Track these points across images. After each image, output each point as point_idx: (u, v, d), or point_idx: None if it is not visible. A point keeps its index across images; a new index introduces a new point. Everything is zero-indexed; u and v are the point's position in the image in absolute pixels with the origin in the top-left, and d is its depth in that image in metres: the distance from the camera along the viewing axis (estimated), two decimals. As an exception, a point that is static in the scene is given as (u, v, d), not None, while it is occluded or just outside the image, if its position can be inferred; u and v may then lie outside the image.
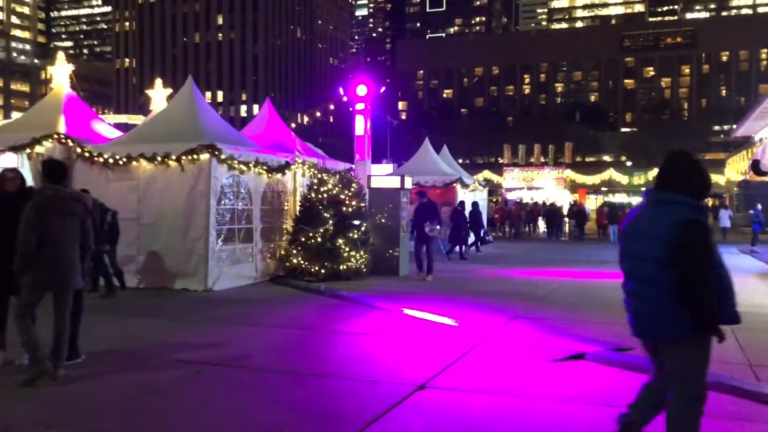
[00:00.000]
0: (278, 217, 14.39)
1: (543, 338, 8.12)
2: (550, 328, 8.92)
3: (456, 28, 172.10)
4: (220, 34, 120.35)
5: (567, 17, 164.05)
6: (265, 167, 13.51)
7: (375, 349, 7.73)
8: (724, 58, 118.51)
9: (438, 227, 14.31)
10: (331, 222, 13.53)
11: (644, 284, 3.73)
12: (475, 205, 22.32)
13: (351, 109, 16.66)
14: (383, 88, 19.16)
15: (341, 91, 16.64)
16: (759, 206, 25.70)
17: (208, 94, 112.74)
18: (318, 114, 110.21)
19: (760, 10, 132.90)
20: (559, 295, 12.24)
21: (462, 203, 21.38)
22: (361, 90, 16.04)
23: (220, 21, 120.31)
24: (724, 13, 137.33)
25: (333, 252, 13.40)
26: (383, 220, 14.71)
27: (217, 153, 12.17)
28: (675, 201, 3.63)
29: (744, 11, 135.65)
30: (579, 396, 5.92)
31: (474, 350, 7.55)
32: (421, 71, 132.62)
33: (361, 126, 16.09)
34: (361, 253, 13.83)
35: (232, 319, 9.58)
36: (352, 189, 14.19)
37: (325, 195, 13.82)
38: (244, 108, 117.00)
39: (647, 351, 3.98)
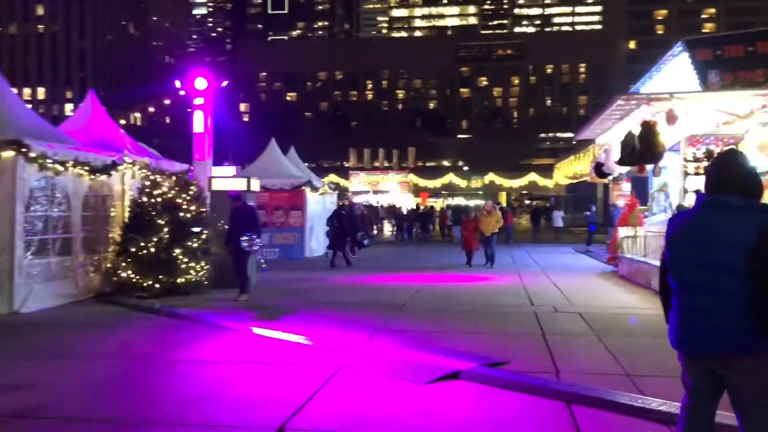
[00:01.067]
0: (104, 225, 12.56)
1: (410, 355, 7.33)
2: (416, 341, 8.18)
3: (298, 31, 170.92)
4: (40, 26, 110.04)
5: (407, 26, 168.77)
6: (86, 167, 11.69)
7: (221, 381, 6.51)
8: (549, 71, 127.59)
9: (258, 240, 11.96)
10: (166, 229, 11.99)
11: (714, 295, 3.25)
12: (350, 208, 21.60)
13: (189, 109, 15.08)
14: (226, 82, 17.69)
15: (178, 84, 14.99)
16: (594, 208, 27.20)
17: (27, 91, 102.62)
18: (152, 110, 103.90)
19: (578, 27, 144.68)
20: (419, 303, 11.63)
21: (344, 206, 20.57)
22: (201, 83, 14.54)
23: (41, 11, 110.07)
24: (548, 29, 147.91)
25: (169, 263, 11.88)
26: (227, 227, 13.36)
27: (24, 150, 10.26)
28: (749, 206, 3.31)
29: (564, 28, 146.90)
30: (462, 426, 5.16)
31: (337, 375, 6.58)
32: (264, 73, 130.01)
33: (200, 122, 14.57)
34: (202, 264, 12.42)
35: (40, 351, 7.87)
36: (191, 192, 12.72)
37: (159, 199, 12.24)
38: (69, 107, 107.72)
39: (695, 372, 3.42)
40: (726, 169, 3.41)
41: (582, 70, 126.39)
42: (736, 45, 18.18)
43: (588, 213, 25.94)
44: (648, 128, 11.36)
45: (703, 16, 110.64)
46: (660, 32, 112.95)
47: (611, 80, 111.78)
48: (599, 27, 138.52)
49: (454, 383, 6.34)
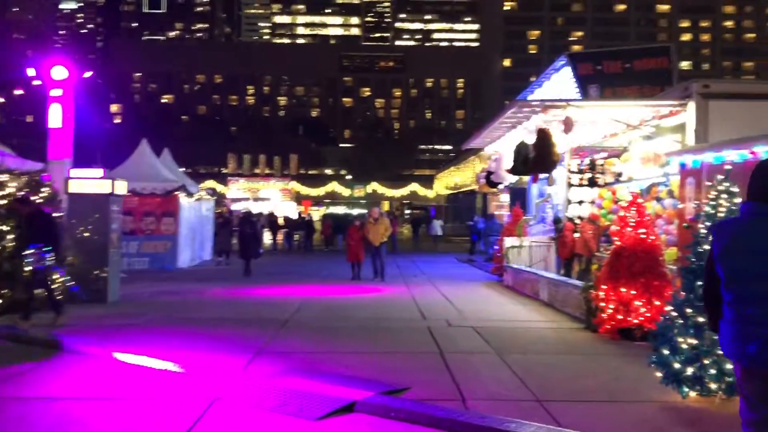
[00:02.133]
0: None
1: (297, 383, 6.42)
2: (303, 364, 7.28)
3: (176, 32, 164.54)
4: None
5: (289, 33, 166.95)
6: None
7: (74, 427, 5.31)
8: (429, 84, 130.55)
9: (49, 255, 9.67)
10: (12, 236, 10.32)
11: None
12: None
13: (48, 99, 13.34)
14: (90, 73, 15.94)
15: (32, 72, 13.21)
16: (477, 218, 27.37)
17: None
18: (6, 105, 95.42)
19: (456, 44, 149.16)
20: (304, 318, 10.70)
21: (252, 213, 19.16)
22: (59, 72, 12.88)
23: None
24: (428, 44, 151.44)
25: (14, 275, 10.22)
26: (86, 234, 11.85)
27: None
28: None
29: (443, 44, 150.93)
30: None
31: (210, 411, 5.57)
32: (138, 74, 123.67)
33: (57, 116, 12.87)
34: (54, 276, 10.81)
35: None
36: (44, 194, 11.11)
37: (4, 202, 10.54)
38: None
39: (755, 383, 3.27)
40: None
41: (460, 84, 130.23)
42: (615, 61, 18.80)
43: (471, 222, 26.06)
44: (543, 136, 11.15)
45: (571, 38, 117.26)
46: (533, 51, 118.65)
47: (487, 96, 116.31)
48: (476, 44, 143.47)
49: (350, 417, 5.53)
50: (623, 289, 8.98)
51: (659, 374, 5.99)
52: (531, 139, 11.90)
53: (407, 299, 13.22)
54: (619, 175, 14.68)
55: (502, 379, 6.75)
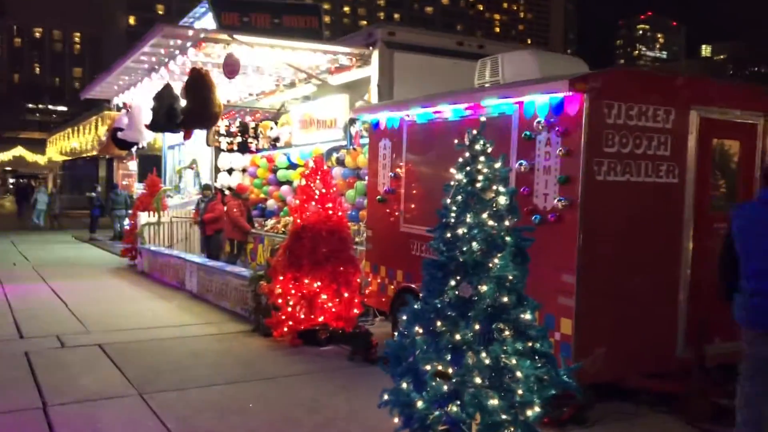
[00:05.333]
0: None
1: None
2: None
3: None
4: None
5: None
6: None
7: None
8: (38, 35, 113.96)
9: None
10: None
11: None
12: None
13: None
14: None
15: None
16: (99, 188, 23.06)
17: None
18: None
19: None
20: None
21: None
22: None
23: None
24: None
25: None
26: None
27: None
28: None
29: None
30: None
31: None
32: None
33: None
34: None
35: None
36: None
37: None
38: None
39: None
40: None
41: (77, 39, 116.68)
42: (264, 14, 16.87)
43: (93, 194, 21.71)
44: (199, 78, 8.43)
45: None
46: (160, 12, 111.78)
47: (110, 55, 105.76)
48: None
49: None
50: (306, 280, 7.01)
51: (397, 420, 4.06)
52: (179, 86, 9.14)
53: (-2, 303, 9.34)
54: (276, 140, 12.81)
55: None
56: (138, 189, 20.56)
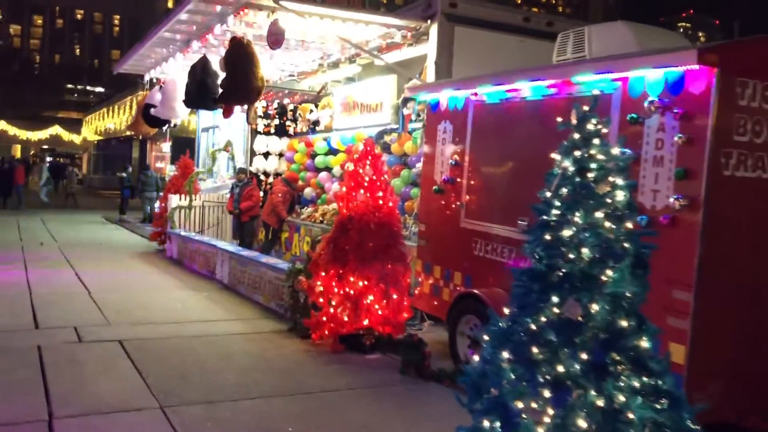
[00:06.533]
0: None
1: None
2: None
3: None
4: None
5: None
6: None
7: None
8: (79, 17, 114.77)
9: None
10: None
11: None
12: None
13: None
14: None
15: None
16: (130, 169, 22.58)
17: None
18: None
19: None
20: None
21: None
22: None
23: None
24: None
25: None
26: None
27: None
28: None
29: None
30: None
31: None
32: None
33: None
34: None
35: None
36: None
37: None
38: None
39: None
40: None
41: (116, 22, 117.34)
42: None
43: (124, 174, 21.16)
44: (240, 48, 7.62)
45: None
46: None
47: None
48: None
49: None
50: (352, 278, 6.21)
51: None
52: (215, 60, 8.37)
53: (18, 287, 8.70)
54: (316, 123, 12.02)
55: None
56: (170, 171, 20.00)
